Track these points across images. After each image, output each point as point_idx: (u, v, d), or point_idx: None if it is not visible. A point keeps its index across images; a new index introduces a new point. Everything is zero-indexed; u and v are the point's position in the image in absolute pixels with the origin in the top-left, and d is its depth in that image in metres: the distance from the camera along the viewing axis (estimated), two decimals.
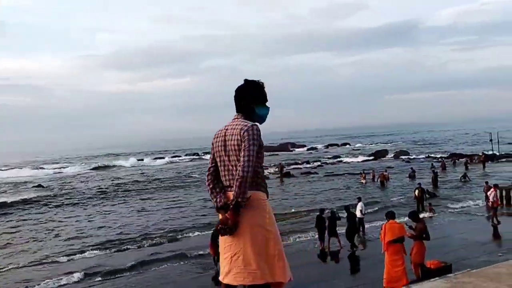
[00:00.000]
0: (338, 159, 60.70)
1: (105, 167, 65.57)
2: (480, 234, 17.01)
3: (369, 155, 61.05)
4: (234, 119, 3.43)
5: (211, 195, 3.48)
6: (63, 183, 46.81)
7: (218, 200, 3.39)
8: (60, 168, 67.47)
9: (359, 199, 20.61)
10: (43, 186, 43.31)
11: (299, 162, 59.97)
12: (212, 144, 3.46)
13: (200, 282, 13.61)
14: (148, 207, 29.06)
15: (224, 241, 3.42)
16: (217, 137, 3.43)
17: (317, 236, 17.08)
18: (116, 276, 14.63)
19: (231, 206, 3.20)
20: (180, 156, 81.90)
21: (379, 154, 60.45)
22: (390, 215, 10.72)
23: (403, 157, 56.57)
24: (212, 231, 14.52)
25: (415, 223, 10.98)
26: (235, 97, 3.47)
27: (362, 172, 39.01)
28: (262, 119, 3.47)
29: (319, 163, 56.83)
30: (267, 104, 3.50)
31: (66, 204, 31.82)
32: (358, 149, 79.55)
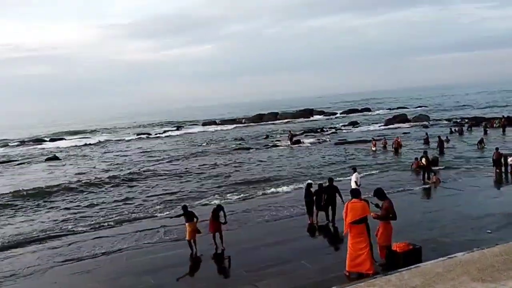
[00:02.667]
0: (355, 126, 58.98)
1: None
2: (477, 208, 15.66)
3: (387, 121, 58.95)
4: None
5: None
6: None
7: None
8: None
9: (354, 170, 19.45)
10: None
11: (314, 129, 58.71)
12: None
13: None
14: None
15: None
16: None
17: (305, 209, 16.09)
18: None
19: None
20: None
21: (397, 120, 58.23)
22: (354, 193, 9.60)
23: (422, 122, 54.32)
24: (215, 206, 13.79)
25: (381, 202, 9.82)
26: None
27: (372, 139, 37.56)
28: None
29: (333, 130, 55.33)
30: None
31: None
32: (378, 115, 77.16)
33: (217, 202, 18.99)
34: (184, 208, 13.63)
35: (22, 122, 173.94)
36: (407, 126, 53.36)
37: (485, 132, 39.10)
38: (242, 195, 21.62)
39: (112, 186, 26.69)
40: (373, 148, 35.17)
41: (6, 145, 67.42)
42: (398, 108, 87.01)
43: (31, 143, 67.59)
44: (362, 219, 9.24)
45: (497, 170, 22.80)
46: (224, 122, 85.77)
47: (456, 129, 42.26)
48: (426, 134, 36.89)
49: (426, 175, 22.57)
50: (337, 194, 15.52)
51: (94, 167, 36.22)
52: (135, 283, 10.88)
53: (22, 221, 19.69)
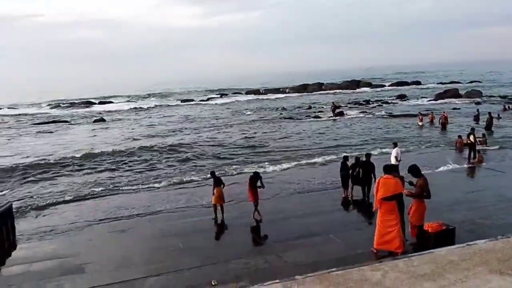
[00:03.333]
0: (403, 99, 56.98)
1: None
2: None
3: (437, 95, 56.50)
4: None
5: None
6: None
7: None
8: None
9: (395, 144, 18.82)
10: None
11: (359, 101, 57.32)
12: None
13: None
14: None
15: None
16: None
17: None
18: None
19: None
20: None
21: (448, 94, 55.64)
22: (387, 168, 9.22)
23: (474, 98, 51.63)
24: (252, 174, 13.61)
25: (415, 179, 9.38)
26: None
27: (419, 113, 36.25)
28: None
29: (379, 103, 53.74)
30: None
31: None
32: (428, 89, 74.04)
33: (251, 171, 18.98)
34: (212, 173, 13.89)
35: (74, 85, 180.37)
36: (458, 101, 50.90)
37: None
38: (278, 165, 21.55)
39: (154, 151, 27.30)
40: (420, 123, 34.09)
41: (58, 106, 70.38)
42: (450, 82, 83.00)
43: (81, 105, 70.12)
44: (394, 196, 8.88)
45: None
46: (267, 91, 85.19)
47: (510, 106, 39.92)
48: (477, 110, 35.09)
49: (472, 153, 21.61)
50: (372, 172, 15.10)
51: (138, 131, 37.16)
52: (165, 245, 11.13)
53: (66, 181, 20.54)
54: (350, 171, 15.27)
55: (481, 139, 23.90)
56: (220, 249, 10.74)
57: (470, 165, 20.47)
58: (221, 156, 24.89)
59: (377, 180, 9.27)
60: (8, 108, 69.58)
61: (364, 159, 15.49)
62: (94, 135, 35.83)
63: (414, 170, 9.35)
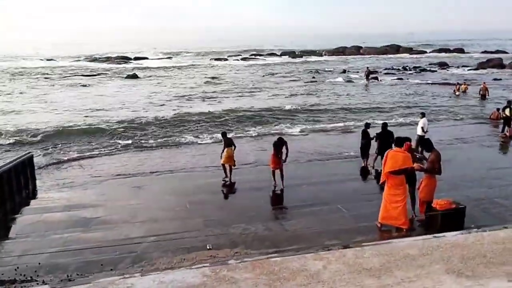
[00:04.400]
0: (442, 67, 54.54)
1: None
2: None
3: (479, 65, 53.74)
4: None
5: None
6: None
7: None
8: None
9: (423, 115, 18.06)
10: None
11: (397, 66, 55.37)
12: None
13: None
14: None
15: None
16: None
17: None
18: None
19: None
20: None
21: (491, 64, 52.80)
22: (398, 141, 8.80)
23: None
24: (276, 140, 12.85)
25: (428, 153, 8.92)
26: None
27: (457, 83, 34.68)
28: None
29: (417, 70, 51.70)
30: None
31: None
32: (471, 57, 70.47)
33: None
34: (223, 134, 13.78)
35: (113, 38, 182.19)
36: (501, 72, 48.27)
37: None
38: (299, 127, 21.29)
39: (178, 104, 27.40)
40: (457, 93, 32.72)
41: (95, 60, 71.43)
42: (495, 51, 78.55)
43: (117, 60, 70.85)
44: (401, 170, 8.51)
45: None
46: (303, 53, 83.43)
47: None
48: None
49: (506, 128, 20.56)
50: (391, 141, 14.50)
51: (170, 89, 37.33)
52: (173, 204, 11.23)
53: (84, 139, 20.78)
54: (375, 140, 14.68)
55: None
56: (224, 213, 10.70)
57: (502, 140, 19.55)
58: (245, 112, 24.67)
59: (386, 153, 8.89)
60: (48, 60, 71.35)
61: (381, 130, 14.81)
62: (122, 92, 36.18)
63: (426, 144, 8.91)
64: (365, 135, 15.07)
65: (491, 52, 76.79)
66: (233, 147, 13.25)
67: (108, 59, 71.38)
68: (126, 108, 27.84)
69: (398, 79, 43.28)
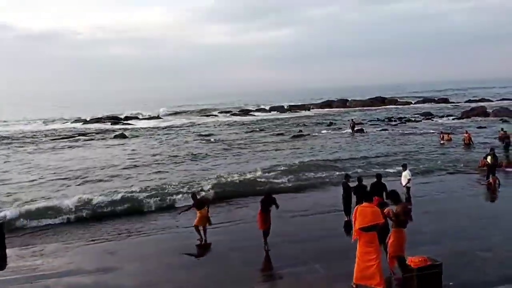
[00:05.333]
0: (427, 117, 55.31)
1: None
2: None
3: (463, 113, 54.63)
4: None
5: None
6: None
7: None
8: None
9: (404, 167, 18.00)
10: None
11: (383, 118, 56.11)
12: None
13: None
14: None
15: None
16: None
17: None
18: None
19: None
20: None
21: (475, 113, 53.68)
22: (366, 196, 8.57)
23: (502, 117, 49.39)
24: (263, 197, 12.21)
25: (395, 206, 8.66)
26: None
27: (441, 132, 35.13)
28: None
29: (402, 120, 52.38)
30: None
31: None
32: (455, 106, 71.85)
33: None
34: (193, 196, 13.45)
35: (105, 100, 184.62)
36: (485, 120, 48.97)
37: None
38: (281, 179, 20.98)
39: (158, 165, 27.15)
40: (441, 142, 33.07)
41: (84, 121, 71.70)
42: (480, 100, 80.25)
43: (107, 120, 71.22)
44: (372, 226, 8.21)
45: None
46: (291, 107, 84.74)
47: None
48: (502, 130, 33.27)
49: (490, 175, 20.49)
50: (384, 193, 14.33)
51: (152, 149, 37.22)
52: (147, 268, 10.75)
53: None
54: (353, 193, 14.41)
55: (504, 161, 22.64)
56: (195, 277, 10.20)
57: (487, 189, 19.43)
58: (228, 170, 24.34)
59: (355, 209, 8.62)
60: (43, 122, 71.95)
61: (374, 180, 14.54)
62: (108, 152, 35.98)
63: (393, 196, 8.67)
64: (345, 188, 14.86)
65: (476, 101, 78.42)
66: (206, 207, 12.90)
67: (98, 120, 71.79)
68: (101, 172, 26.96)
69: (383, 129, 43.72)
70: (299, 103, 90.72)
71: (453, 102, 79.86)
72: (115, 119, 72.56)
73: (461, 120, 50.34)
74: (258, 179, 21.67)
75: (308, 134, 42.04)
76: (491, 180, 19.64)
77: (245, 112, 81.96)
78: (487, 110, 54.89)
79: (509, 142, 29.11)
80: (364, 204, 8.44)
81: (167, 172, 25.69)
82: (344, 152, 30.25)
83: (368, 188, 13.91)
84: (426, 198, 17.37)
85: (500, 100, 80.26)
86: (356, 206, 8.68)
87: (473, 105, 67.13)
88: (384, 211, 8.53)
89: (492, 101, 79.06)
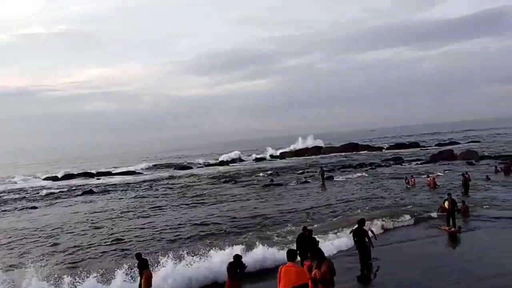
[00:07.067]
0: (397, 162, 56.11)
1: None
2: (489, 266, 13.69)
3: (432, 157, 55.65)
4: None
5: None
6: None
7: None
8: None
9: (362, 222, 17.36)
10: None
11: (353, 164, 56.69)
12: None
13: None
14: None
15: None
16: None
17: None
18: None
19: None
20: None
21: (443, 156, 54.75)
22: (290, 255, 8.36)
23: (469, 159, 50.43)
24: (231, 261, 11.49)
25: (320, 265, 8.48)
26: None
27: (405, 177, 35.55)
28: None
29: (373, 166, 52.99)
30: None
31: None
32: (425, 150, 73.31)
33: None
34: (138, 256, 12.93)
35: (80, 154, 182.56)
36: (452, 163, 49.84)
37: None
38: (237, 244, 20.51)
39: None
40: (407, 186, 33.44)
41: (56, 179, 70.35)
42: (449, 143, 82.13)
43: (79, 176, 70.16)
44: (298, 287, 7.95)
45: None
46: (270, 156, 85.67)
47: (501, 167, 38.76)
48: (464, 174, 33.68)
49: (450, 221, 20.58)
50: (366, 238, 14.28)
51: (119, 206, 36.51)
52: None
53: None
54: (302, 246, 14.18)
55: (461, 206, 22.74)
56: None
57: (446, 234, 19.49)
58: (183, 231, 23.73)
59: (279, 269, 8.37)
60: (11, 181, 70.26)
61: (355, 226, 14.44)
62: (72, 209, 35.12)
63: (317, 254, 8.50)
64: (299, 239, 14.57)
65: (445, 144, 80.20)
66: (149, 268, 12.48)
67: (71, 176, 70.64)
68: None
69: (353, 176, 44.08)
70: (279, 151, 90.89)
71: (423, 146, 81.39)
72: (87, 175, 71.56)
73: (430, 164, 51.16)
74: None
75: (280, 184, 41.98)
76: (451, 226, 19.74)
77: (221, 162, 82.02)
78: (455, 152, 56.08)
79: (468, 185, 29.69)
80: (288, 263, 8.21)
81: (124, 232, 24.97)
82: (308, 202, 30.12)
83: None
84: (383, 246, 17.15)
85: (468, 142, 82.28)
86: (281, 266, 8.42)
87: (442, 148, 68.63)
88: (311, 274, 8.33)
89: (460, 143, 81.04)
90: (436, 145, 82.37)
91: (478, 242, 17.42)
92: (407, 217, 22.76)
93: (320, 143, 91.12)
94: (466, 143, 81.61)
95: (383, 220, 21.58)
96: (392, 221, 21.86)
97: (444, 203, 21.48)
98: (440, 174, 40.06)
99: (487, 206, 24.46)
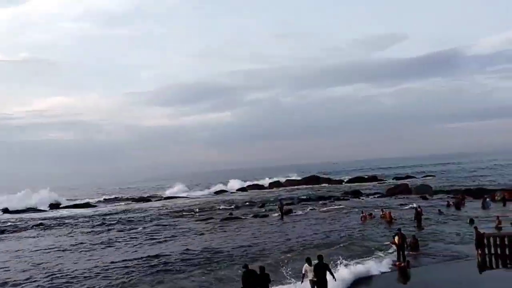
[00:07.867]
0: (355, 195, 56.92)
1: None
2: None
3: (388, 191, 56.84)
4: None
5: None
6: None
7: None
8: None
9: (309, 261, 16.72)
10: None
11: (313, 197, 57.14)
12: None
13: None
14: None
15: None
16: None
17: None
18: None
19: None
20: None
21: (398, 190, 56.00)
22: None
23: (423, 194, 51.66)
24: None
25: None
26: None
27: (362, 212, 35.97)
28: None
29: (332, 199, 53.54)
30: None
31: None
32: (383, 183, 74.98)
33: None
34: None
35: (37, 185, 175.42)
36: (407, 197, 50.92)
37: (483, 206, 36.86)
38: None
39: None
40: (363, 221, 33.76)
41: (6, 211, 66.87)
42: (406, 177, 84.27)
43: (30, 210, 66.96)
44: None
45: (479, 252, 20.76)
46: (230, 189, 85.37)
47: (453, 202, 39.94)
48: (417, 208, 34.35)
49: (401, 256, 20.79)
50: (327, 272, 14.56)
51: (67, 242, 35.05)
52: None
53: None
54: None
55: (409, 241, 22.97)
56: None
57: (397, 269, 19.65)
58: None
59: None
60: None
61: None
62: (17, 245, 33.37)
63: None
64: (245, 279, 14.31)
65: (402, 178, 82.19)
66: None
67: (23, 211, 67.23)
68: None
69: (311, 209, 44.36)
70: (242, 183, 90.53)
71: (381, 180, 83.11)
72: (37, 210, 68.27)
73: (386, 198, 52.13)
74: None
75: (238, 218, 41.57)
76: (401, 261, 19.94)
77: (178, 196, 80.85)
78: (410, 186, 57.47)
79: (421, 219, 30.41)
80: None
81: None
82: (265, 236, 29.85)
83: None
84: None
85: (424, 177, 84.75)
86: None
87: (399, 182, 70.32)
88: None
89: (417, 177, 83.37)
90: (394, 178, 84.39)
91: (425, 278, 17.54)
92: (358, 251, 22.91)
93: (282, 179, 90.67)
94: (422, 177, 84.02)
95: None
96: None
97: (394, 238, 21.72)
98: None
99: (435, 240, 24.96)
